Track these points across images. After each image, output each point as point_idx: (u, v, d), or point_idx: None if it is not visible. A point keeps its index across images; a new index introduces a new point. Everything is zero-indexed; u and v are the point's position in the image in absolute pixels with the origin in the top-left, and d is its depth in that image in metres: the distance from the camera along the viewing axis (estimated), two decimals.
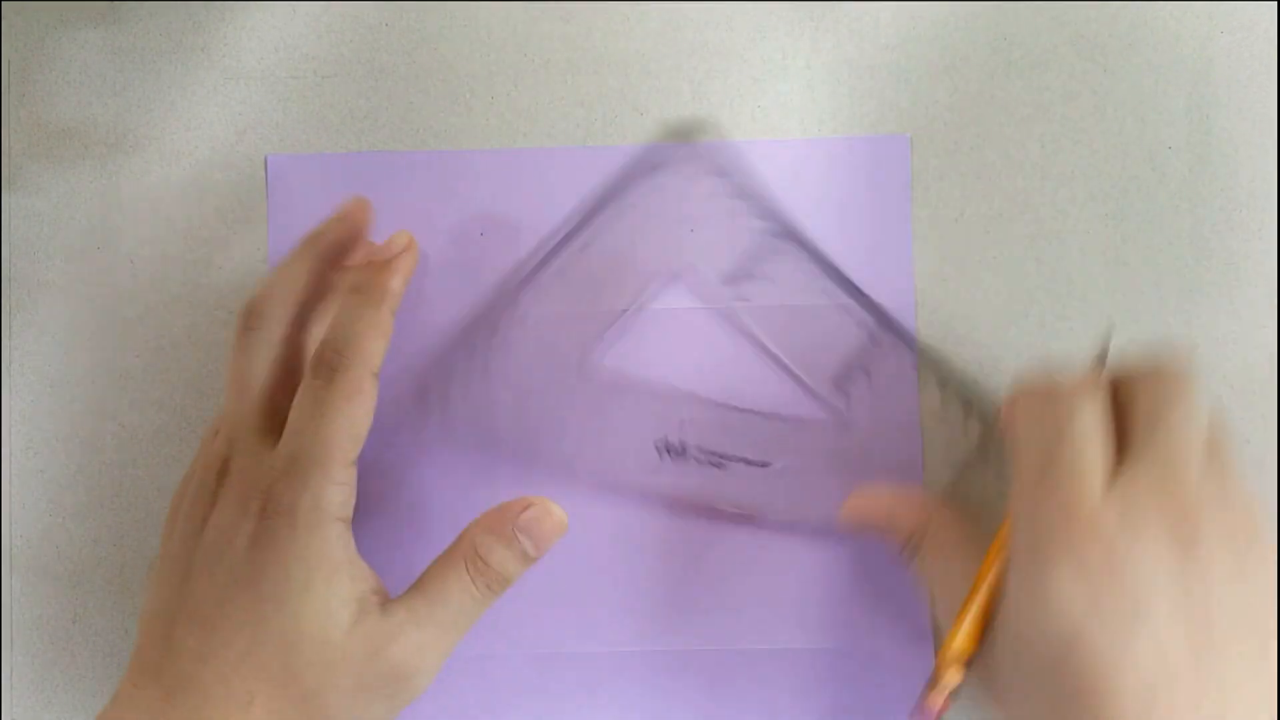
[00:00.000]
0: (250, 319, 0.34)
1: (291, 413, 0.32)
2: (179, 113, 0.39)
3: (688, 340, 0.37)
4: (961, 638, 0.31)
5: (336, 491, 0.32)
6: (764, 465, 0.37)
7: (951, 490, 0.37)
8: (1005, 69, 0.39)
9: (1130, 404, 0.31)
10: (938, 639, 0.36)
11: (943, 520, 0.34)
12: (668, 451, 0.37)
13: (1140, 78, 0.38)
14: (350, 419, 0.32)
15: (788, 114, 0.38)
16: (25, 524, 0.38)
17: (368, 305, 0.34)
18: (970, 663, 0.31)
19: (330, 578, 0.31)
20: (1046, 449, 0.30)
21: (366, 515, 0.37)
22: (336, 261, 0.36)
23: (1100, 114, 0.38)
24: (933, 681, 0.31)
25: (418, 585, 0.33)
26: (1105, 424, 0.31)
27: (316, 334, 0.35)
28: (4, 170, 0.39)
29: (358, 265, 0.36)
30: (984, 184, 0.38)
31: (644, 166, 0.37)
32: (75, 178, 0.39)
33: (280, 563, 0.31)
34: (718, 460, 0.37)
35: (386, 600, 0.32)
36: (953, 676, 0.31)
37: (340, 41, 0.39)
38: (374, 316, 0.33)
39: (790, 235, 0.37)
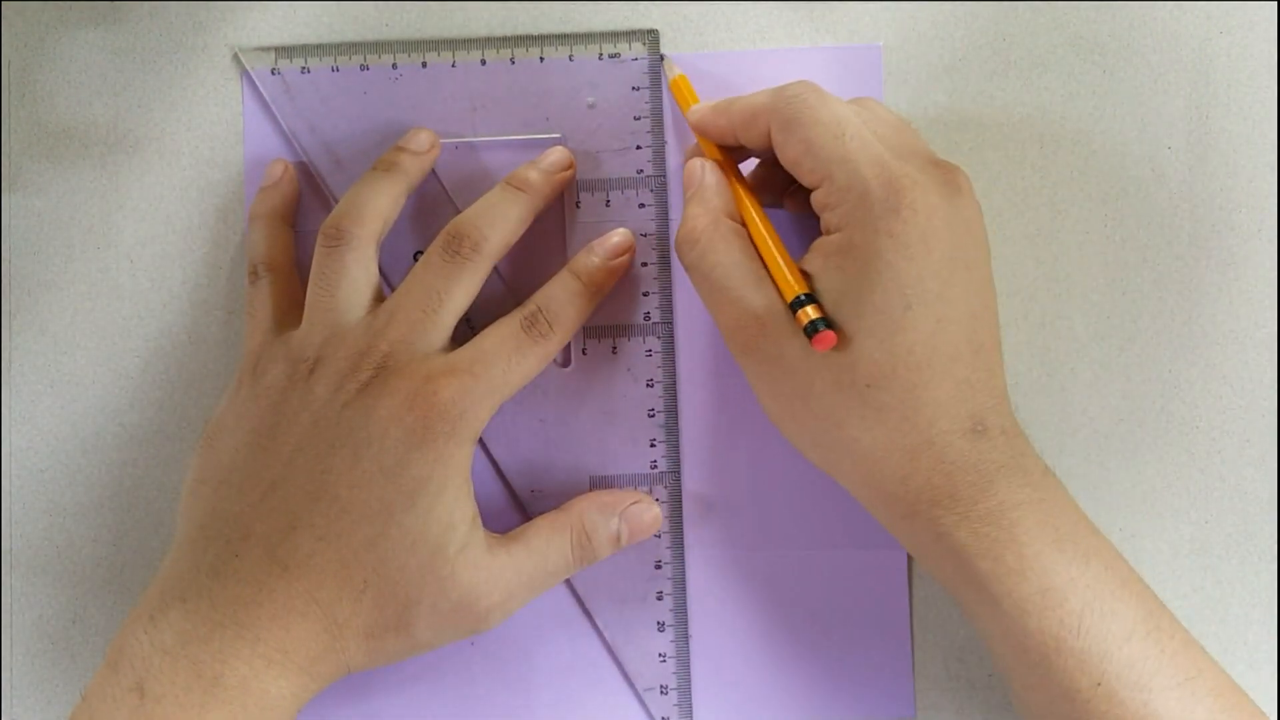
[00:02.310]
0: (339, 234, 0.35)
1: (484, 339, 0.34)
2: (179, 113, 0.39)
3: None
4: (790, 285, 0.31)
5: (489, 416, 0.34)
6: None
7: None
8: (1005, 69, 0.39)
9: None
10: None
11: (728, 225, 0.34)
12: None
13: (1140, 78, 0.38)
14: (534, 370, 0.35)
15: None
16: (25, 524, 0.38)
17: (577, 284, 0.36)
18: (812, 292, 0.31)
19: (460, 491, 0.33)
20: (830, 127, 0.31)
21: None
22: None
23: (1100, 114, 0.38)
24: (807, 331, 0.31)
25: (520, 537, 0.35)
26: None
27: None
28: (4, 170, 0.39)
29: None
30: (984, 184, 0.38)
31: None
32: (75, 178, 0.39)
33: (426, 462, 0.32)
34: None
35: (486, 535, 0.34)
36: (812, 312, 0.31)
37: (339, 42, 0.39)
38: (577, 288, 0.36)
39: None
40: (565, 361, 0.38)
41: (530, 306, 0.35)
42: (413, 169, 0.37)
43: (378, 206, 0.35)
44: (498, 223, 0.35)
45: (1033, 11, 0.39)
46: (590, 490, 0.37)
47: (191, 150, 0.39)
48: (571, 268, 0.36)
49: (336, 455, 0.32)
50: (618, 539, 0.36)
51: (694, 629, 0.37)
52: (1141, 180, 0.38)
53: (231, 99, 0.39)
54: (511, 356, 0.34)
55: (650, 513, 0.36)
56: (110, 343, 0.39)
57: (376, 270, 0.36)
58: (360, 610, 0.31)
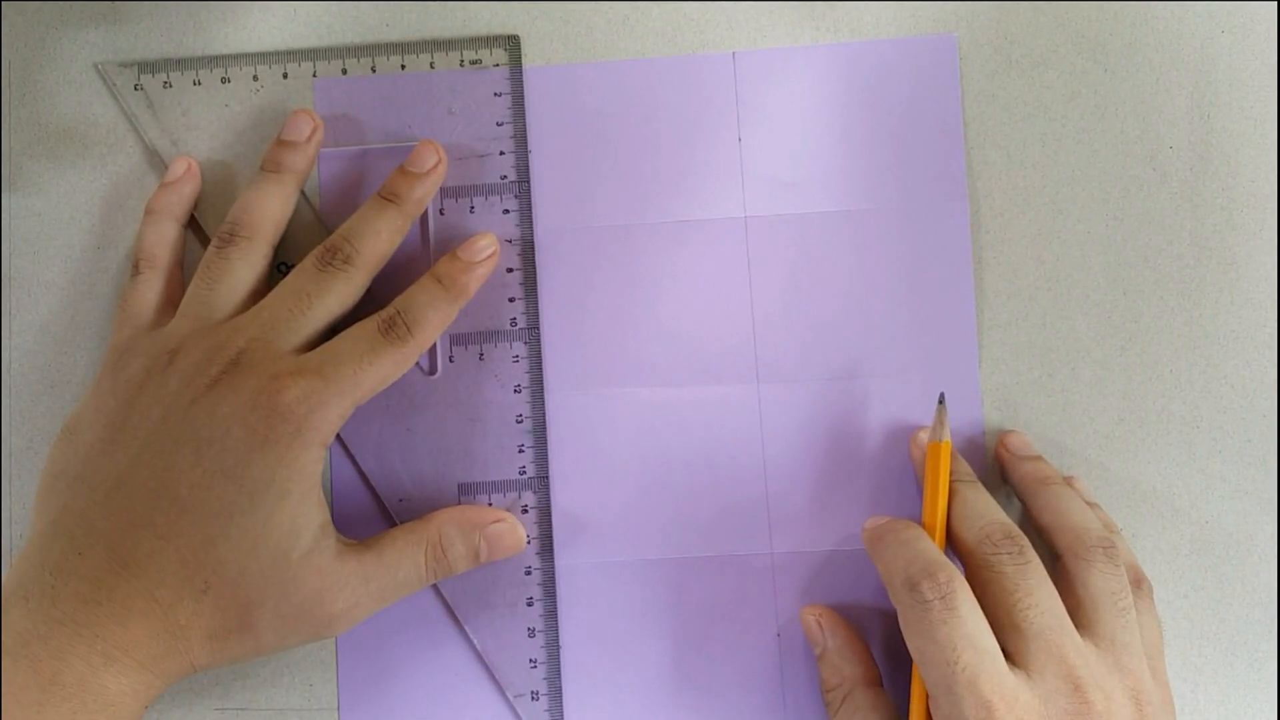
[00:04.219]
0: (231, 236, 0.36)
1: (339, 341, 0.34)
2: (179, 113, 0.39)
3: None
4: None
5: (340, 421, 0.33)
6: None
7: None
8: (1006, 68, 0.38)
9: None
10: None
11: (866, 697, 0.34)
12: None
13: (1141, 77, 0.38)
14: (391, 375, 0.34)
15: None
16: (25, 524, 0.38)
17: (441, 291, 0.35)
18: None
19: (305, 495, 0.32)
20: (943, 652, 0.31)
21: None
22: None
23: (1101, 113, 0.38)
24: None
25: (374, 546, 0.34)
26: (978, 608, 0.32)
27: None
28: (4, 170, 0.39)
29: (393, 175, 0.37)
30: (984, 183, 0.38)
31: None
32: (75, 178, 0.39)
33: (268, 464, 0.32)
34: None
35: (338, 541, 0.33)
36: None
37: (339, 42, 0.39)
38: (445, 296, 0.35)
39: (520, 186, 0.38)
40: (432, 369, 0.37)
41: (389, 310, 0.35)
42: (299, 162, 0.37)
43: (267, 209, 0.36)
44: (368, 236, 0.35)
45: (1034, 10, 0.38)
46: (459, 497, 0.37)
47: (191, 150, 0.39)
48: (433, 272, 0.36)
49: (179, 453, 0.32)
50: (476, 556, 0.35)
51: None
52: (1143, 179, 0.38)
53: (230, 99, 0.39)
54: (364, 357, 0.33)
55: (514, 534, 0.36)
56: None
57: (263, 274, 0.36)
58: (202, 611, 0.31)
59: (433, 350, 0.38)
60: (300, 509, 0.32)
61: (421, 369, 0.37)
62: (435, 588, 0.37)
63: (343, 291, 0.35)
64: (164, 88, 0.38)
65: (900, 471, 0.37)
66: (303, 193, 0.38)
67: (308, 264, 0.35)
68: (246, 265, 0.35)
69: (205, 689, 0.38)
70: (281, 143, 0.37)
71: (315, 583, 0.32)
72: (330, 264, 0.35)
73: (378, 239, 0.35)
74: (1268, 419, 0.38)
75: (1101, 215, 0.38)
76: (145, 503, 0.32)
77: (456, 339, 0.38)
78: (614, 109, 0.38)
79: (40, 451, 0.38)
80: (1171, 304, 0.38)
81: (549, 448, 0.38)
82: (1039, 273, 0.38)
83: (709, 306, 0.38)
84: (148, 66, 0.38)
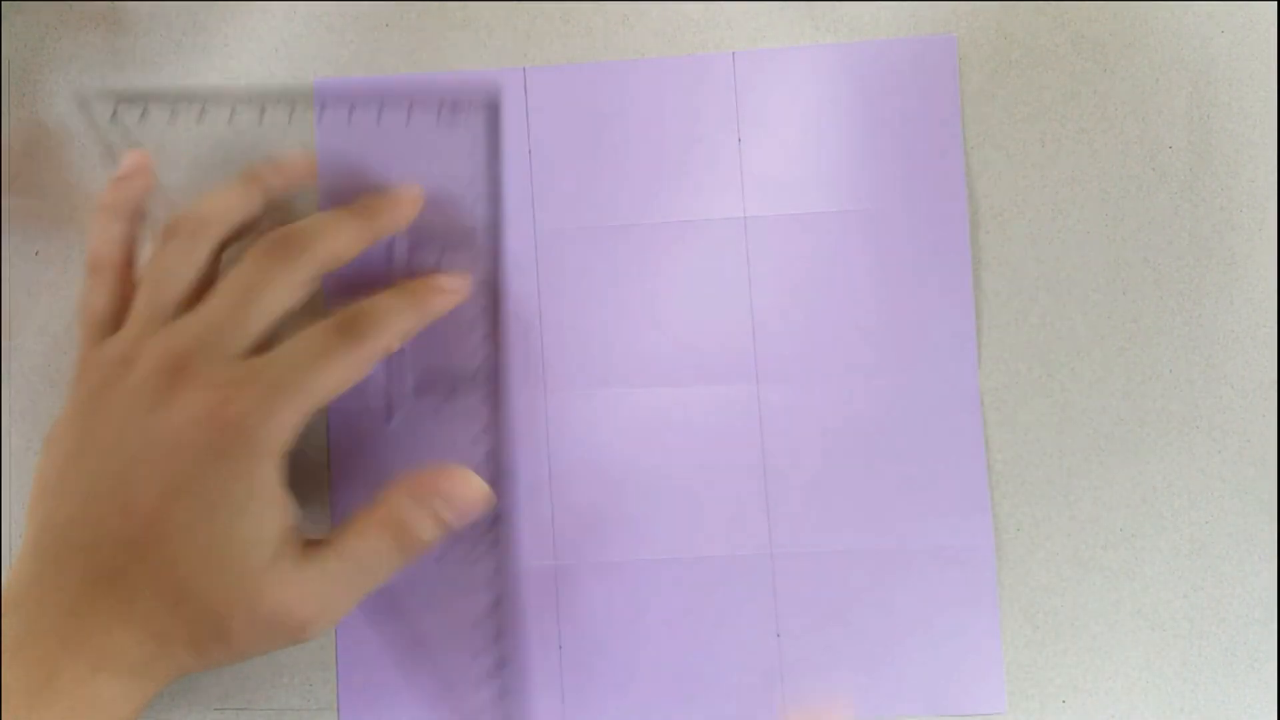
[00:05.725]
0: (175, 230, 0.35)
1: (290, 344, 0.33)
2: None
3: None
4: None
5: (295, 430, 0.32)
6: None
7: None
8: (1005, 68, 0.38)
9: None
10: None
11: None
12: None
13: (1141, 77, 0.38)
14: (346, 379, 0.33)
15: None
16: (24, 525, 0.38)
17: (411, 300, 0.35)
18: None
19: (266, 505, 0.32)
20: None
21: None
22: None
23: (1101, 113, 0.38)
24: None
25: (334, 543, 0.33)
26: None
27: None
28: (4, 170, 0.39)
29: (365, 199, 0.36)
30: (984, 183, 0.38)
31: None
32: (75, 178, 0.39)
33: (222, 478, 0.31)
34: None
35: (303, 544, 0.33)
36: None
37: (340, 42, 0.39)
38: (403, 303, 0.35)
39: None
40: (389, 416, 0.38)
41: (348, 310, 0.34)
42: (273, 178, 0.36)
43: (217, 205, 0.35)
44: (324, 233, 0.34)
45: (1034, 10, 0.39)
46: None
47: (191, 151, 0.39)
48: (401, 285, 0.35)
49: (138, 468, 0.31)
50: (443, 521, 0.34)
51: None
52: (1143, 179, 0.38)
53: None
54: (317, 360, 0.32)
55: (469, 485, 0.34)
56: None
57: (206, 270, 0.34)
58: (178, 623, 0.31)
59: (389, 400, 0.37)
60: (261, 521, 0.31)
61: (379, 416, 0.37)
62: (433, 588, 0.37)
63: (290, 282, 0.33)
64: (140, 119, 0.38)
65: (900, 472, 0.37)
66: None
67: (254, 252, 0.34)
68: (186, 262, 0.34)
69: (205, 689, 0.38)
70: (265, 163, 0.37)
71: (279, 594, 0.31)
72: (275, 251, 0.33)
73: (334, 239, 0.34)
74: (1268, 419, 0.38)
75: (1101, 215, 0.38)
76: (114, 517, 0.31)
77: (422, 377, 0.37)
78: (614, 109, 0.38)
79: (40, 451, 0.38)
80: (1171, 304, 0.38)
81: (549, 448, 0.38)
82: (1039, 273, 0.38)
83: (708, 307, 0.38)
84: (126, 96, 0.38)
